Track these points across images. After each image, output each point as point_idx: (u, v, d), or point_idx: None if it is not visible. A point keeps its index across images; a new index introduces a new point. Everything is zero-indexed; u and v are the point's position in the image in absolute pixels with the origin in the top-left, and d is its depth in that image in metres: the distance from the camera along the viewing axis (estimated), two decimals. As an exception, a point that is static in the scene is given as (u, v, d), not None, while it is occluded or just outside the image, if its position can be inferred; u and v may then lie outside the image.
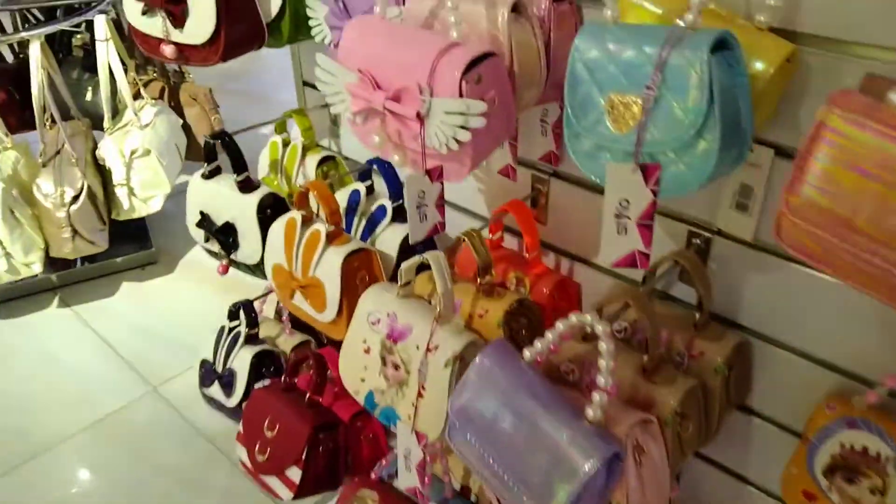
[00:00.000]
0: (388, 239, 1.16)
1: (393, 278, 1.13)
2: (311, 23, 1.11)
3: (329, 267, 1.07)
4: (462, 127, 0.75)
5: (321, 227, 1.08)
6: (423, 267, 0.97)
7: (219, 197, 1.26)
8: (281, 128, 1.35)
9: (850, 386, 0.86)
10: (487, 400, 0.81)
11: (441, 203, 0.84)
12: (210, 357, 1.47)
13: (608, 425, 0.76)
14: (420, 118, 0.77)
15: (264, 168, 1.38)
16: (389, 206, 1.16)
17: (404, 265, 0.98)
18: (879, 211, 0.47)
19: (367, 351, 1.01)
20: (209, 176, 1.28)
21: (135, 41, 1.21)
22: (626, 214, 0.71)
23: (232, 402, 1.42)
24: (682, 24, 0.64)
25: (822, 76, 0.72)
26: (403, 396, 0.97)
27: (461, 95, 0.75)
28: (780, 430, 0.95)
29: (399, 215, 1.17)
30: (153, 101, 2.07)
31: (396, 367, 0.97)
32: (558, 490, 0.72)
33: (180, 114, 2.18)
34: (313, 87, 1.39)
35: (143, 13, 1.15)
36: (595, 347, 0.78)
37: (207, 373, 1.47)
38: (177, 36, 1.13)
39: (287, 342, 1.48)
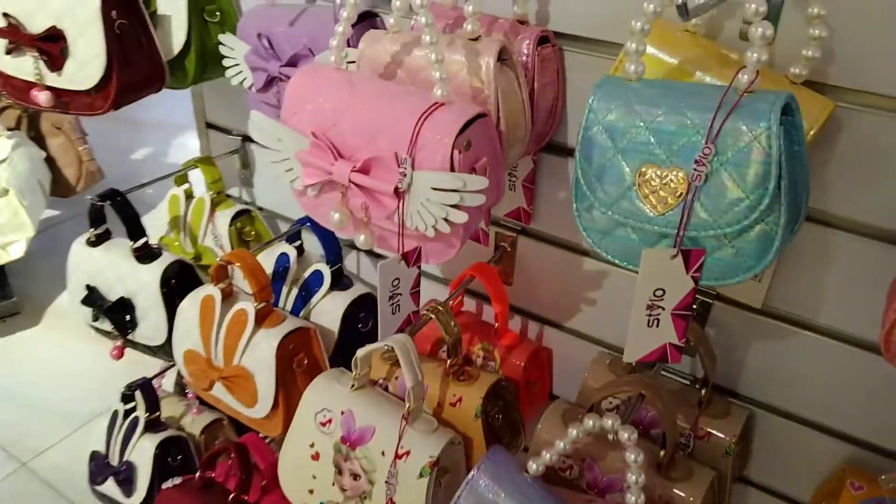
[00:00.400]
0: (327, 310, 0.99)
1: (338, 358, 0.97)
2: (225, 62, 0.93)
3: (260, 354, 0.89)
4: (455, 206, 0.61)
5: (247, 307, 0.90)
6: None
7: (110, 268, 1.04)
8: (182, 178, 1.15)
9: (862, 456, 0.80)
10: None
11: (417, 289, 0.69)
12: (101, 448, 1.23)
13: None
14: (398, 194, 0.62)
15: (162, 226, 1.17)
16: (327, 270, 0.99)
17: (360, 353, 0.81)
18: None
19: (316, 457, 0.84)
20: (96, 242, 1.06)
21: (-5, 83, 0.97)
22: (661, 305, 0.60)
23: (133, 502, 1.20)
24: (741, 81, 0.53)
25: (851, 132, 0.64)
26: (367, 510, 0.81)
27: (452, 168, 0.61)
28: (783, 502, 0.88)
29: (337, 282, 1.00)
30: (9, 132, 1.78)
31: (356, 476, 0.81)
32: None
33: (42, 145, 1.90)
34: (219, 129, 1.20)
35: (8, 52, 0.92)
36: (594, 439, 0.67)
37: (99, 467, 1.23)
38: (53, 80, 0.92)
39: (195, 423, 1.26)
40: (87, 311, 1.08)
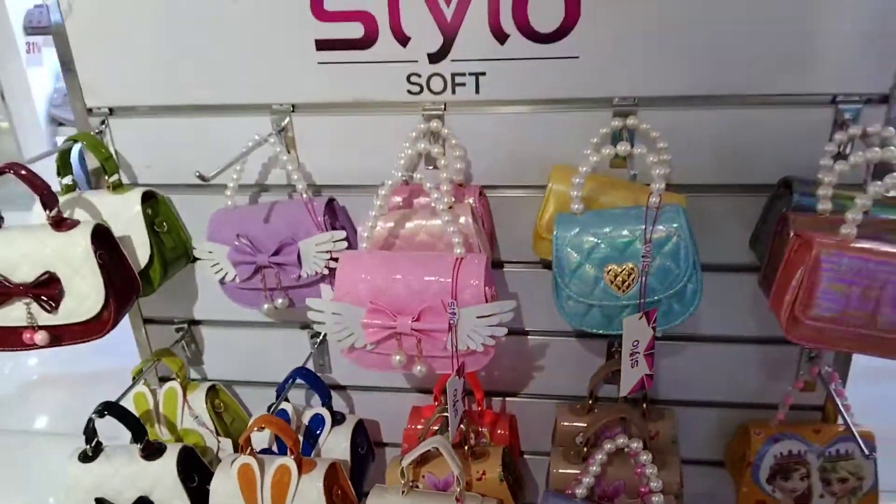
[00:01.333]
0: (336, 444, 1.16)
1: (353, 481, 1.14)
2: (207, 264, 1.08)
3: (311, 497, 1.04)
4: (496, 327, 0.87)
5: (287, 462, 1.04)
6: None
7: (116, 476, 1.10)
8: (138, 372, 1.23)
9: (750, 414, 1.17)
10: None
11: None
12: None
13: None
14: (451, 328, 0.87)
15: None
16: (326, 413, 1.17)
17: (406, 461, 1.02)
18: (868, 304, 0.76)
19: (391, 559, 1.01)
20: (92, 457, 1.11)
21: (-31, 338, 1.02)
22: (637, 351, 0.90)
23: None
24: (652, 203, 0.87)
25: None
26: (448, 583, 1.00)
27: (486, 301, 0.87)
28: (706, 466, 1.23)
29: (335, 419, 1.18)
30: None
31: (432, 562, 1.00)
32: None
33: None
34: (156, 322, 1.30)
35: (-5, 306, 0.98)
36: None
37: None
38: (48, 319, 1.00)
39: None
40: (95, 527, 1.11)
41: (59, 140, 4.46)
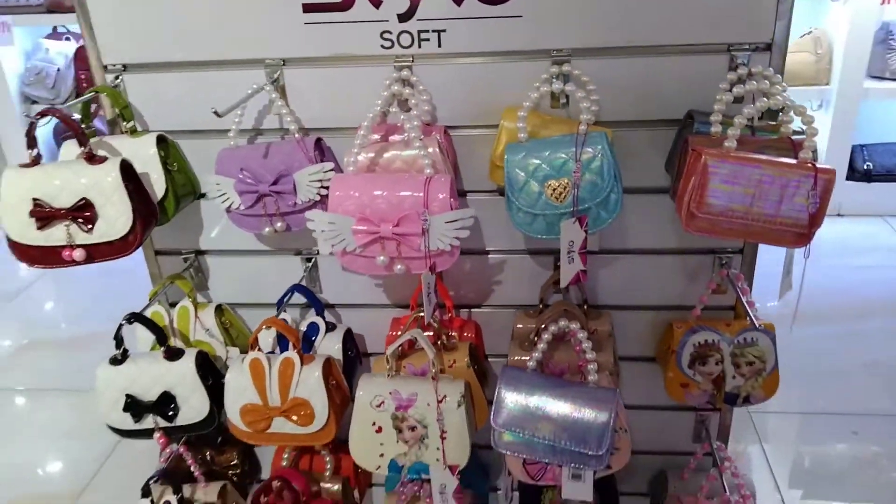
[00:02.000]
0: (329, 347, 1.37)
1: (345, 376, 1.36)
2: (212, 195, 1.28)
3: (311, 384, 1.26)
4: (460, 229, 1.09)
5: (292, 355, 1.26)
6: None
7: (144, 374, 1.31)
8: (156, 295, 1.43)
9: (673, 315, 1.41)
10: (523, 400, 1.14)
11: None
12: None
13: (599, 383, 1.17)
14: (424, 233, 1.08)
15: (149, 337, 1.42)
16: (321, 321, 1.38)
17: (389, 351, 1.24)
18: (746, 200, 0.99)
19: (379, 430, 1.24)
20: (121, 360, 1.31)
21: (16, 256, 1.21)
22: (573, 249, 1.13)
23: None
24: (581, 131, 1.09)
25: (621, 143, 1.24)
26: (427, 447, 1.23)
27: (451, 210, 1.09)
28: (641, 362, 1.47)
29: (328, 326, 1.39)
30: None
31: (413, 428, 1.23)
32: (594, 426, 1.11)
33: None
34: (166, 253, 1.50)
35: (40, 228, 1.17)
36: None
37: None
38: (84, 238, 1.19)
39: (208, 492, 1.52)
40: (124, 419, 1.32)
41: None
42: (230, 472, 1.64)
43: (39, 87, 4.47)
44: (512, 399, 1.16)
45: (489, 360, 1.51)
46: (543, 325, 1.23)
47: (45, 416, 2.88)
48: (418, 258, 1.12)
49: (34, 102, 4.58)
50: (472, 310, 1.47)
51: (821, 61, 3.83)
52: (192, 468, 1.52)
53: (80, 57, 4.18)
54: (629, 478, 1.62)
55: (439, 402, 1.21)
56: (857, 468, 2.41)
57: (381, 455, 1.24)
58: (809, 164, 0.99)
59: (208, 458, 1.63)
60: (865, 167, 4.00)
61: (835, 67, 3.82)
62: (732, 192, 1.01)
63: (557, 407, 1.14)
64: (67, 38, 4.46)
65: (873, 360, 2.89)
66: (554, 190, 1.11)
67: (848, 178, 4.06)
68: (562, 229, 1.10)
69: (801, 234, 1.03)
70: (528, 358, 1.23)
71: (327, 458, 1.53)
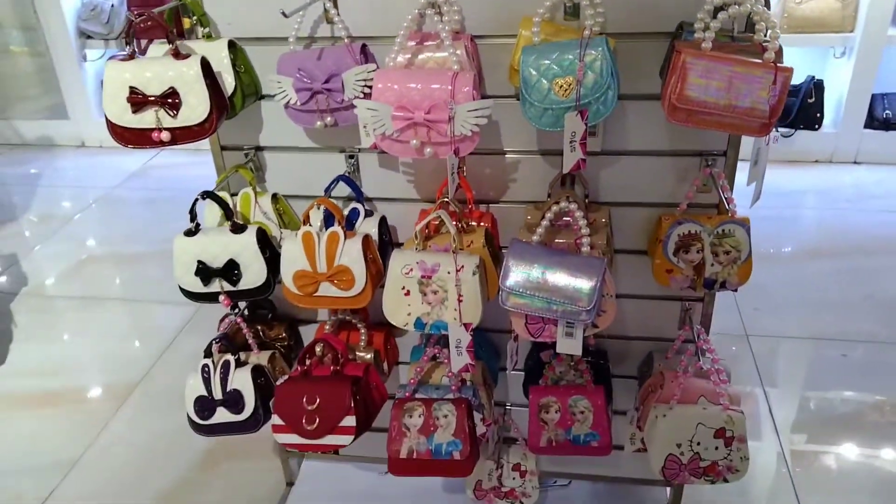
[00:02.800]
0: (367, 229, 1.61)
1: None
2: (273, 91, 1.51)
3: (353, 254, 1.50)
4: (480, 117, 1.31)
5: (336, 230, 1.50)
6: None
7: (213, 244, 1.56)
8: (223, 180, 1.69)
9: (663, 211, 1.62)
10: (527, 267, 1.38)
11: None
12: (203, 392, 1.71)
13: (591, 254, 1.40)
14: (450, 119, 1.31)
15: (216, 216, 1.68)
16: (361, 207, 1.62)
17: (417, 228, 1.48)
18: (720, 93, 1.19)
19: (407, 293, 1.48)
20: (194, 232, 1.57)
21: (114, 138, 1.46)
22: (575, 140, 1.35)
23: (244, 415, 1.70)
24: (585, 36, 1.29)
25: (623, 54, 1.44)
26: (446, 308, 1.47)
27: (474, 100, 1.31)
28: (635, 254, 1.69)
29: (367, 212, 1.63)
30: None
31: (435, 292, 1.47)
32: (585, 288, 1.34)
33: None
34: (230, 149, 1.74)
35: (135, 111, 1.42)
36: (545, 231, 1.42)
37: (205, 405, 1.71)
38: (170, 122, 1.44)
39: (261, 357, 1.79)
40: (195, 282, 1.58)
41: (88, 52, 4.82)
42: (278, 344, 1.90)
43: (94, 22, 4.73)
44: (517, 265, 1.39)
45: (503, 249, 1.74)
46: (547, 206, 1.45)
47: (105, 320, 3.21)
48: (445, 143, 1.35)
49: (89, 37, 4.84)
50: (490, 205, 1.70)
51: (847, 8, 3.91)
52: (246, 336, 1.78)
53: (133, -5, 4.39)
54: (621, 362, 1.85)
55: (458, 270, 1.44)
56: (840, 384, 2.63)
57: (409, 314, 1.49)
58: (771, 64, 1.19)
59: (260, 332, 1.90)
60: (885, 115, 4.10)
61: (860, 15, 3.90)
62: (707, 86, 1.21)
63: (555, 272, 1.37)
64: (121, -24, 4.69)
65: (871, 293, 3.08)
66: (561, 86, 1.32)
67: (866, 126, 4.17)
68: (566, 121, 1.32)
69: (764, 123, 1.23)
70: (534, 236, 1.46)
71: (362, 332, 1.79)
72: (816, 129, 4.12)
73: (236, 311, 1.81)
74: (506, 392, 1.97)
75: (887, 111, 4.05)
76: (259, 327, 1.90)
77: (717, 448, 1.54)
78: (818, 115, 4.09)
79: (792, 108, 4.08)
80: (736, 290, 1.58)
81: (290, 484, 2.24)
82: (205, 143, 1.72)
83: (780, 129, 4.14)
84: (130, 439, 2.47)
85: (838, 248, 3.42)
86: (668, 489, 2.07)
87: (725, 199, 1.53)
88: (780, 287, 3.11)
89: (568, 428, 1.63)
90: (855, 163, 4.16)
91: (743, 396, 2.49)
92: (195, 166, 4.34)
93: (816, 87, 4.05)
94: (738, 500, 2.11)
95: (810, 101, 4.06)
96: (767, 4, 1.33)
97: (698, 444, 1.54)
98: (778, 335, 2.85)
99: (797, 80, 4.10)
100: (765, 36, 1.24)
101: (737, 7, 1.21)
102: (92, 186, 4.40)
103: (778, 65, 1.19)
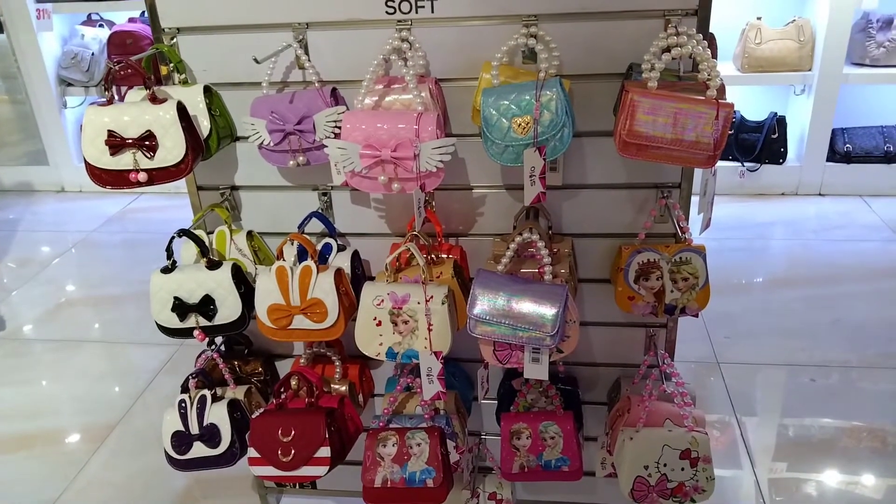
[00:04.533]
0: (340, 263, 1.67)
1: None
2: (247, 133, 1.58)
3: (325, 287, 1.55)
4: (444, 154, 1.38)
5: (310, 264, 1.56)
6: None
7: (189, 280, 1.61)
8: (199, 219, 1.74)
9: (623, 241, 1.69)
10: (493, 296, 1.44)
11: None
12: (180, 427, 1.73)
13: (554, 283, 1.46)
14: (416, 157, 1.38)
15: (192, 255, 1.73)
16: (334, 242, 1.68)
17: (388, 260, 1.54)
18: (667, 128, 1.27)
19: (379, 323, 1.53)
20: (171, 269, 1.62)
21: (93, 179, 1.51)
22: (534, 174, 1.42)
23: (220, 449, 1.73)
24: (540, 77, 1.38)
25: (579, 94, 1.53)
26: (417, 337, 1.53)
27: (438, 138, 1.38)
28: (598, 283, 1.76)
29: (339, 247, 1.69)
30: None
31: (406, 322, 1.52)
32: (548, 314, 1.40)
33: None
34: (206, 189, 1.80)
35: (112, 154, 1.48)
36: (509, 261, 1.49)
37: (182, 440, 1.73)
38: (147, 163, 1.49)
39: (237, 392, 1.83)
40: (172, 318, 1.62)
41: (68, 99, 4.89)
42: (254, 379, 1.94)
43: (75, 70, 4.80)
44: (483, 294, 1.45)
45: (472, 281, 1.80)
46: (511, 238, 1.52)
47: (83, 362, 3.21)
48: (411, 179, 1.42)
49: (69, 85, 4.91)
50: (459, 238, 1.76)
51: (804, 48, 4.07)
52: (223, 372, 1.82)
53: (113, 42, 4.49)
54: (591, 389, 1.90)
55: (427, 300, 1.50)
56: (812, 409, 2.68)
57: (381, 343, 1.54)
58: (714, 100, 1.28)
59: (237, 368, 1.93)
60: (845, 149, 4.25)
61: (817, 54, 4.07)
62: (655, 122, 1.30)
63: (519, 300, 1.43)
64: (101, 25, 4.79)
65: (837, 319, 3.17)
66: (519, 125, 1.40)
67: (829, 160, 4.31)
68: (525, 157, 1.39)
69: (709, 156, 1.31)
70: (500, 266, 1.52)
71: (337, 364, 1.83)
72: (781, 164, 4.27)
73: (213, 346, 1.85)
74: (480, 422, 2.01)
75: (847, 145, 4.20)
76: (235, 363, 1.93)
77: (682, 469, 1.58)
78: (782, 149, 4.24)
79: (757, 143, 4.23)
80: (696, 316, 1.64)
81: (268, 520, 2.24)
82: (183, 187, 1.79)
83: (746, 164, 4.27)
84: (108, 480, 2.47)
85: (805, 277, 3.52)
86: (642, 516, 2.11)
87: (680, 228, 1.60)
88: (750, 315, 3.19)
89: (539, 453, 1.67)
90: (819, 195, 4.30)
91: (718, 426, 2.56)
92: (173, 209, 4.39)
93: (779, 122, 4.21)
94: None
95: (774, 136, 4.21)
96: (713, 45, 1.43)
97: (665, 465, 1.59)
98: (749, 362, 2.92)
99: (761, 116, 4.26)
100: (707, 75, 1.33)
101: (679, 49, 1.30)
102: (71, 231, 4.42)
103: (720, 101, 1.28)
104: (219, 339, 1.90)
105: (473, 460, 1.93)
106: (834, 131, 4.20)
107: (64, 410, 2.88)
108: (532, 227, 1.54)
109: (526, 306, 1.42)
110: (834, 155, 4.24)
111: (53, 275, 3.94)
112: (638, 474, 1.60)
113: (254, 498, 2.25)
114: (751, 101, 4.33)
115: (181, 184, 1.79)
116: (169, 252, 1.61)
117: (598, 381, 1.90)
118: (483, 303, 1.45)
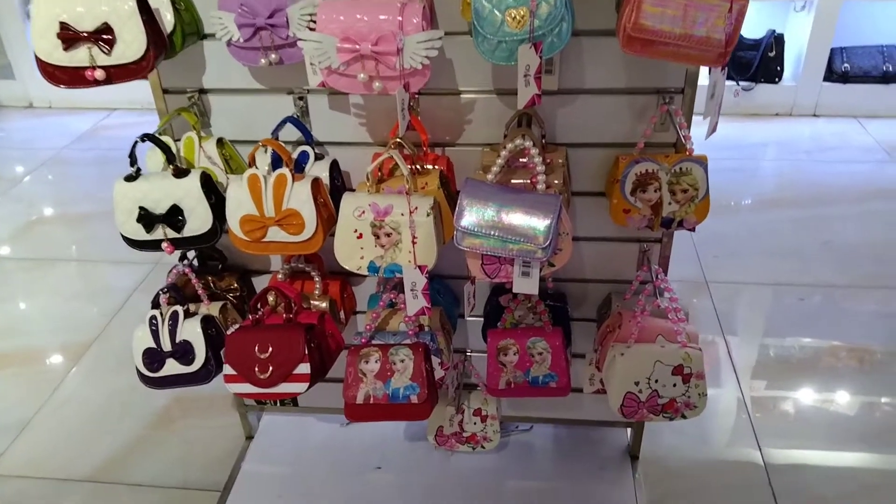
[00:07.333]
0: (318, 173, 1.56)
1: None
2: (214, 28, 1.44)
3: (301, 196, 1.45)
4: (430, 49, 1.26)
5: (284, 171, 1.45)
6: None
7: (155, 189, 1.50)
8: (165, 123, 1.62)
9: (621, 151, 1.60)
10: (481, 206, 1.34)
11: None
12: (151, 344, 1.66)
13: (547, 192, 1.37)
14: (399, 51, 1.26)
15: (159, 162, 1.61)
16: (311, 150, 1.57)
17: (369, 169, 1.43)
18: (675, 22, 1.16)
19: (360, 236, 1.44)
20: (135, 177, 1.51)
21: (45, 77, 1.38)
22: (529, 73, 1.30)
23: (195, 366, 1.66)
24: (537, -35, 1.25)
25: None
26: (400, 251, 1.44)
27: (423, 31, 1.26)
28: (592, 196, 1.67)
29: (317, 156, 1.58)
30: None
31: (388, 234, 1.43)
32: (540, 226, 1.31)
33: None
34: (173, 92, 1.67)
35: (66, 49, 1.34)
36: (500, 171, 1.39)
37: (154, 357, 1.66)
38: (104, 60, 1.36)
39: (212, 308, 1.75)
40: (137, 229, 1.52)
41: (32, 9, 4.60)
42: (230, 295, 1.85)
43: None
44: (471, 205, 1.36)
45: (459, 194, 1.70)
46: (502, 145, 1.41)
47: (57, 281, 3.12)
48: (394, 77, 1.30)
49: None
50: (446, 148, 1.66)
51: (807, -40, 3.88)
52: (196, 287, 1.73)
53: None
54: (580, 305, 1.85)
55: (411, 212, 1.41)
56: (798, 329, 2.67)
57: (362, 257, 1.45)
58: (727, -10, 1.16)
59: (211, 283, 1.84)
60: (843, 69, 4.13)
61: (820, -34, 3.88)
62: (663, 14, 1.18)
63: (510, 210, 1.34)
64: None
65: (827, 240, 3.12)
66: (514, 17, 1.27)
67: (825, 80, 4.19)
68: (519, 54, 1.28)
69: (720, 53, 1.21)
70: (489, 175, 1.42)
71: (317, 280, 1.74)
72: (777, 83, 4.14)
73: (184, 261, 1.76)
74: (465, 339, 1.95)
75: (846, 64, 4.07)
76: (209, 278, 1.84)
77: (675, 385, 1.54)
78: (778, 68, 4.10)
79: (753, 61, 4.09)
80: (693, 230, 1.57)
81: (249, 438, 2.21)
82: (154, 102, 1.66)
83: (741, 83, 4.14)
84: (84, 399, 2.41)
85: (796, 198, 3.46)
86: (629, 431, 2.10)
87: (683, 136, 1.51)
88: (740, 235, 3.14)
89: (527, 369, 1.62)
90: (814, 115, 4.19)
91: (704, 344, 2.53)
92: (148, 125, 4.18)
93: (777, 40, 4.06)
94: (700, 445, 2.13)
95: (771, 54, 4.07)
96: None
97: (656, 381, 1.54)
98: (737, 282, 2.88)
99: (758, 33, 4.10)
100: (720, -36, 1.21)
101: (690, -70, 1.17)
102: (41, 148, 4.24)
103: (733, -9, 1.16)
104: (191, 254, 1.80)
105: (458, 377, 1.88)
106: (833, 50, 4.07)
107: (39, 330, 2.80)
108: (525, 133, 1.43)
109: (517, 217, 1.33)
110: (831, 74, 4.12)
111: (24, 192, 3.79)
112: (628, 390, 1.55)
113: (234, 416, 2.21)
114: (749, 17, 4.15)
115: (154, 101, 1.67)
116: (133, 159, 1.50)
117: (588, 298, 1.84)
118: (471, 214, 1.36)
